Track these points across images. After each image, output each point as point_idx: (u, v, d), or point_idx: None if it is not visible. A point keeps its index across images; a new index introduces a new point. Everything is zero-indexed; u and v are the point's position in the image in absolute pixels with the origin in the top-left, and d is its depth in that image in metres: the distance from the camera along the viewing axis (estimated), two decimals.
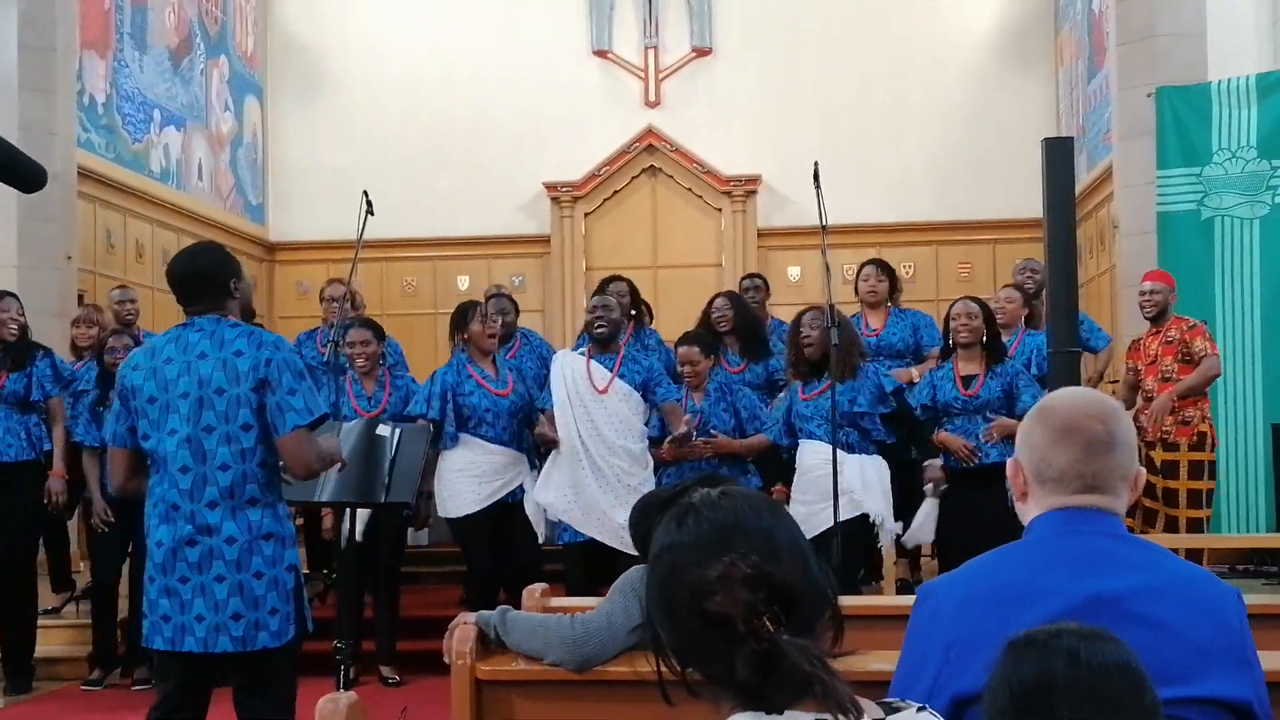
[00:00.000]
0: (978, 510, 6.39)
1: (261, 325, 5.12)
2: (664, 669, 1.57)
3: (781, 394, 7.06)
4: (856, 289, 7.84)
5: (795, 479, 6.55)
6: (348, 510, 5.69)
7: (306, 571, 7.97)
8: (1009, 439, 6.39)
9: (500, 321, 7.27)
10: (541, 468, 6.88)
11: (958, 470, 6.59)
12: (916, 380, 7.17)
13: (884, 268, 7.93)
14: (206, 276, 3.99)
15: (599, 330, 6.80)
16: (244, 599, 3.78)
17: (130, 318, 7.99)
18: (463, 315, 6.97)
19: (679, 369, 6.93)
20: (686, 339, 7.02)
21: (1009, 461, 2.25)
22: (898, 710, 1.62)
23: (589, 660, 3.04)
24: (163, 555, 3.82)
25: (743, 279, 8.96)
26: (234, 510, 3.79)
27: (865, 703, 1.55)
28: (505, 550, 6.75)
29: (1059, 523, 2.13)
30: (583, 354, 6.89)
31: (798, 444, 6.61)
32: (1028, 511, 2.21)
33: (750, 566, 1.48)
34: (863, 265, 7.95)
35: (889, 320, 7.77)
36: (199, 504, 3.78)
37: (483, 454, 6.74)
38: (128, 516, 6.07)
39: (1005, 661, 1.62)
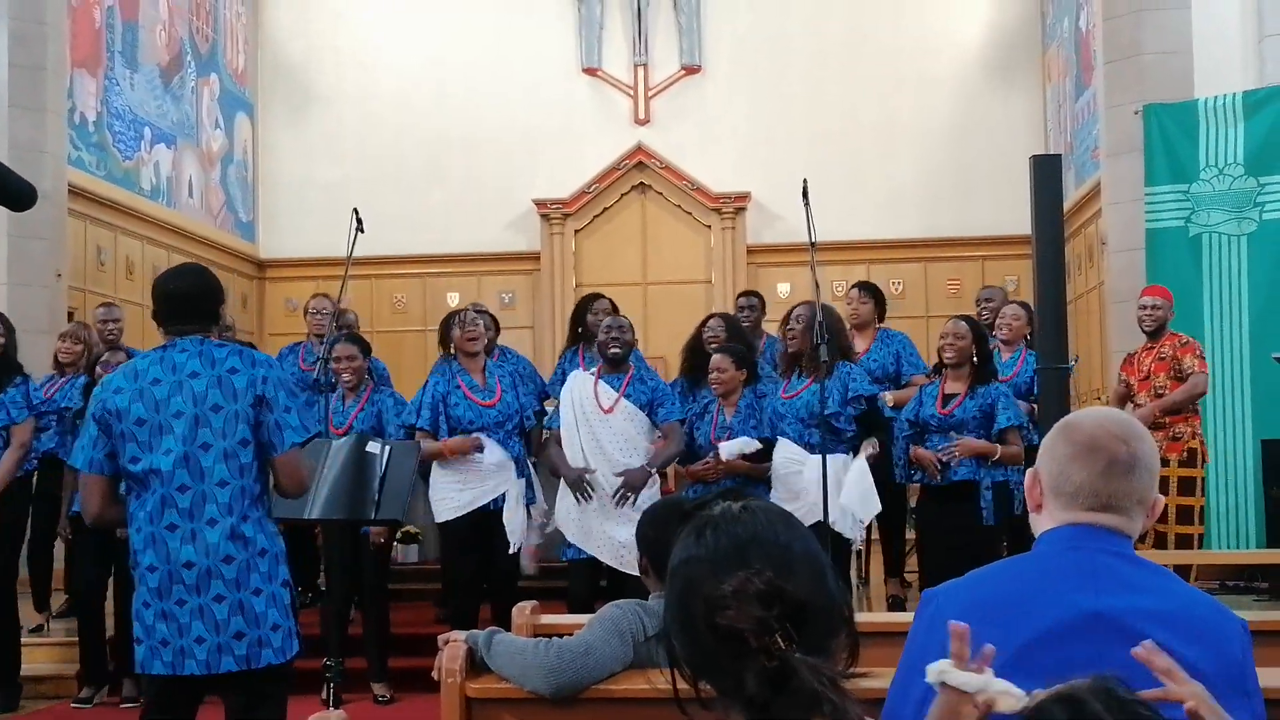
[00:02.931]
0: (953, 523, 6.44)
1: (254, 345, 5.12)
2: (679, 681, 1.57)
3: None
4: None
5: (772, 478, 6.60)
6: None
7: None
8: (979, 459, 6.45)
9: (481, 326, 7.24)
10: (529, 476, 6.93)
11: (930, 486, 6.64)
12: (892, 404, 7.20)
13: (869, 289, 7.92)
14: (201, 299, 3.96)
15: (613, 352, 6.79)
16: (245, 617, 3.75)
17: (113, 336, 7.94)
18: (447, 326, 7.16)
19: (709, 377, 6.91)
20: (722, 348, 7.05)
21: (1028, 472, 2.24)
22: None
23: (563, 689, 3.04)
24: (158, 579, 3.76)
25: (738, 296, 8.95)
26: (232, 528, 3.75)
27: None
28: (485, 558, 6.75)
29: (1067, 538, 2.13)
30: (591, 374, 6.89)
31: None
32: (1040, 523, 2.20)
33: (764, 582, 1.48)
34: (850, 288, 7.95)
35: (874, 344, 7.76)
36: (199, 522, 3.73)
37: (463, 464, 6.73)
38: (106, 532, 6.03)
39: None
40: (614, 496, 6.53)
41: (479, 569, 6.76)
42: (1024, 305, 7.82)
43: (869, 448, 6.50)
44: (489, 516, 6.72)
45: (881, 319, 7.96)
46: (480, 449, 6.65)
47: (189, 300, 3.93)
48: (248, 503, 3.80)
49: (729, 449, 6.57)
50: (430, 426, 6.72)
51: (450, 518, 6.74)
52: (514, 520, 6.71)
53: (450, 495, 6.74)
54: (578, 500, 6.57)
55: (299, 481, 3.98)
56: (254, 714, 3.87)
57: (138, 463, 3.77)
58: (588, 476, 6.56)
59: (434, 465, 6.80)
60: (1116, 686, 1.51)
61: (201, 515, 3.74)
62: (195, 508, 3.74)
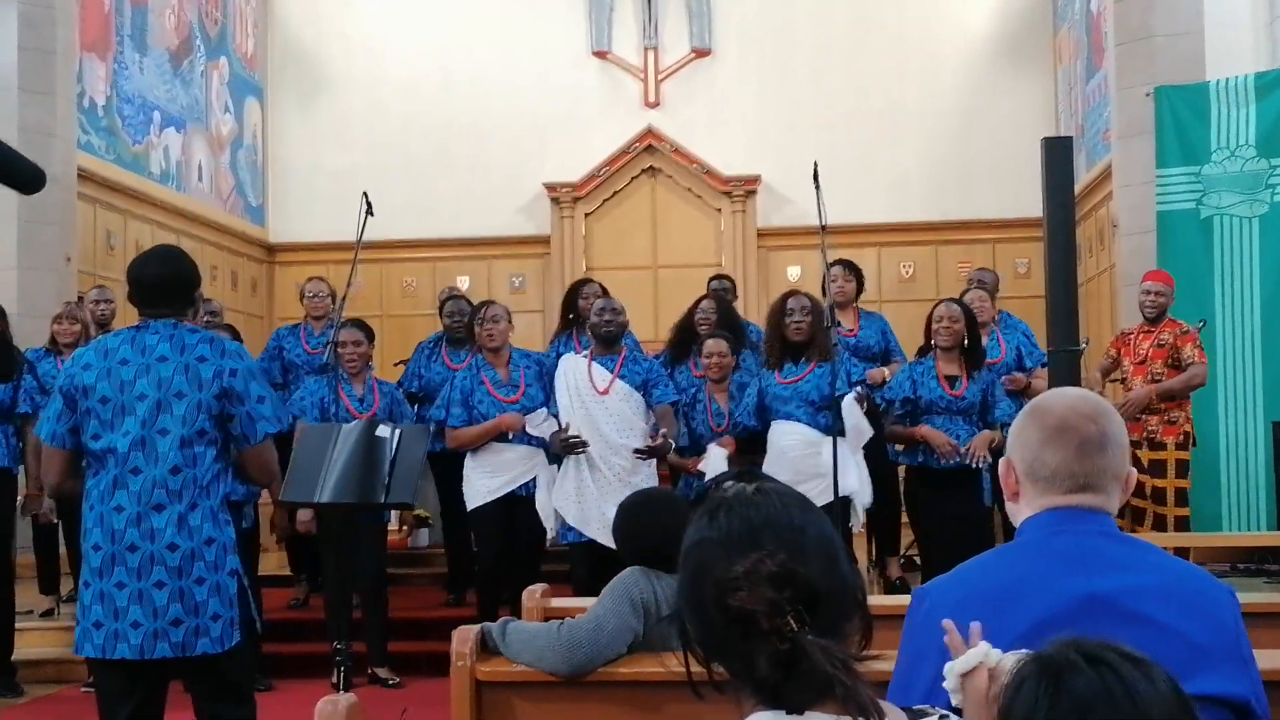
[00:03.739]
0: (954, 510, 6.51)
1: (235, 332, 5.10)
2: (692, 664, 1.56)
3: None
4: (824, 289, 7.73)
5: (767, 460, 6.59)
6: None
7: (289, 573, 8.00)
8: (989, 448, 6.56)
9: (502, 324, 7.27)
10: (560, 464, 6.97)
11: (934, 469, 6.67)
12: (889, 378, 7.21)
13: (850, 268, 7.90)
14: (178, 282, 3.93)
15: (606, 331, 6.80)
16: (185, 605, 3.70)
17: (105, 318, 7.97)
18: (471, 320, 7.34)
19: (705, 360, 6.96)
20: (716, 333, 7.13)
21: (1001, 461, 2.25)
22: (925, 716, 1.62)
23: (580, 667, 3.04)
24: (100, 559, 3.73)
25: (711, 279, 8.94)
26: (180, 515, 3.72)
27: (888, 706, 1.54)
28: (510, 545, 6.83)
29: (1051, 523, 2.13)
30: (584, 355, 6.91)
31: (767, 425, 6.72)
32: (1019, 512, 2.20)
33: (776, 564, 1.47)
34: (830, 265, 7.86)
35: (861, 321, 7.78)
36: (146, 507, 3.70)
37: (493, 453, 6.85)
38: None
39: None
40: (639, 451, 6.61)
41: (502, 555, 6.82)
42: (985, 290, 7.94)
43: (858, 389, 6.58)
44: (515, 505, 6.80)
45: (858, 298, 7.97)
46: (522, 427, 6.78)
47: (163, 285, 3.90)
48: (198, 491, 3.75)
49: (714, 465, 6.63)
50: (464, 424, 6.84)
51: (481, 502, 6.82)
52: (546, 505, 6.77)
53: (483, 481, 6.83)
54: (573, 447, 6.59)
55: (270, 472, 3.99)
56: (219, 707, 3.86)
57: (98, 440, 3.75)
58: (572, 433, 6.61)
59: (467, 455, 6.90)
60: (1077, 638, 1.53)
61: (150, 500, 3.71)
62: (145, 492, 3.71)
